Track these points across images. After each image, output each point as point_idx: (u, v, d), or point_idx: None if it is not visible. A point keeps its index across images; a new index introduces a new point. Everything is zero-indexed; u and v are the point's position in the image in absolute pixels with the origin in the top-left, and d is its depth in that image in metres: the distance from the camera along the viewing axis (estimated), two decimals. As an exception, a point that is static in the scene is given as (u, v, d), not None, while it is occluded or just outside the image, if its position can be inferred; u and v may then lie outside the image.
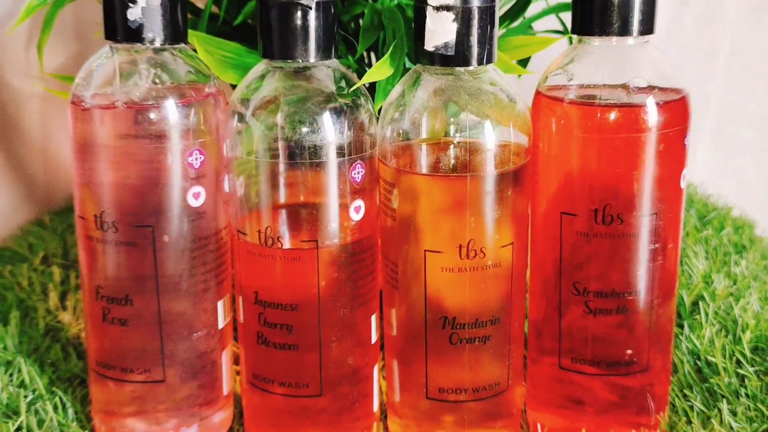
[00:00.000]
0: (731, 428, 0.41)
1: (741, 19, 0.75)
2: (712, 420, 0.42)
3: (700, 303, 0.51)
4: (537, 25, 0.53)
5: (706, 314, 0.50)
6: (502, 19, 0.50)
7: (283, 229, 0.38)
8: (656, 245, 0.38)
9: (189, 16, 0.49)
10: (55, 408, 0.43)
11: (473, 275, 0.37)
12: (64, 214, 0.67)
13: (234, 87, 0.44)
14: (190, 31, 0.40)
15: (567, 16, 0.53)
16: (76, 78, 0.39)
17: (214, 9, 0.51)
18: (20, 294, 0.54)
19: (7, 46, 0.65)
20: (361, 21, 0.50)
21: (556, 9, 0.51)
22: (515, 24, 0.51)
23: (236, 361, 0.47)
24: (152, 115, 0.37)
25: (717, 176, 0.73)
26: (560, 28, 0.55)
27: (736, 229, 0.63)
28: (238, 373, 0.46)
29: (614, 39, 0.37)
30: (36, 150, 0.71)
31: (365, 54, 0.51)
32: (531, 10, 0.51)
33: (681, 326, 0.50)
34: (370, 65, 0.50)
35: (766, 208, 0.71)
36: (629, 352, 0.39)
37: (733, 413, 0.42)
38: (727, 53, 0.75)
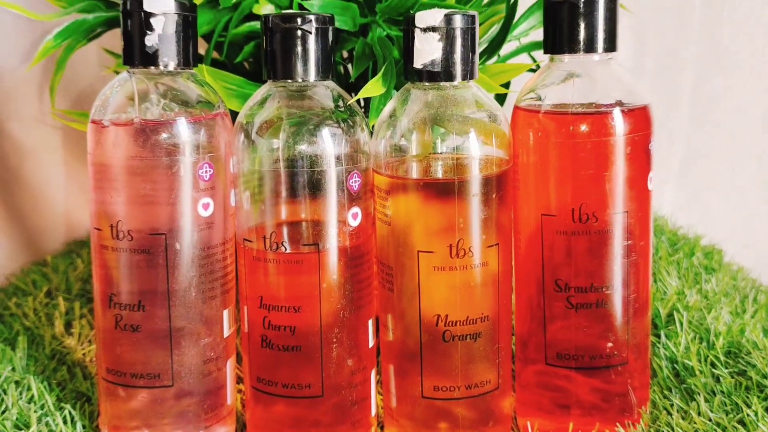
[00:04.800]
0: (710, 419, 0.44)
1: (702, 60, 0.80)
2: (691, 412, 0.44)
3: (675, 314, 0.54)
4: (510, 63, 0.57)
5: (681, 324, 0.53)
6: (479, 57, 0.54)
7: (286, 235, 0.41)
8: (629, 242, 0.41)
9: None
10: (64, 421, 0.45)
11: (463, 273, 0.40)
12: (63, 255, 0.69)
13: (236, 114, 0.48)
14: (200, 65, 0.44)
15: (537, 54, 0.58)
16: (94, 104, 0.42)
17: (215, 54, 0.55)
18: (26, 323, 0.56)
19: (12, 95, 0.68)
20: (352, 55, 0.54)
21: (528, 48, 0.56)
22: (491, 62, 0.55)
23: (238, 380, 0.49)
24: (166, 131, 0.40)
25: (685, 211, 0.77)
26: (533, 66, 0.59)
27: (706, 255, 0.67)
28: (240, 391, 0.48)
29: (581, 56, 0.41)
30: (34, 199, 0.74)
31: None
32: (505, 49, 0.56)
33: (658, 336, 0.53)
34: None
35: (733, 239, 0.75)
36: (610, 344, 0.42)
37: (710, 407, 0.45)
38: (689, 94, 0.80)
